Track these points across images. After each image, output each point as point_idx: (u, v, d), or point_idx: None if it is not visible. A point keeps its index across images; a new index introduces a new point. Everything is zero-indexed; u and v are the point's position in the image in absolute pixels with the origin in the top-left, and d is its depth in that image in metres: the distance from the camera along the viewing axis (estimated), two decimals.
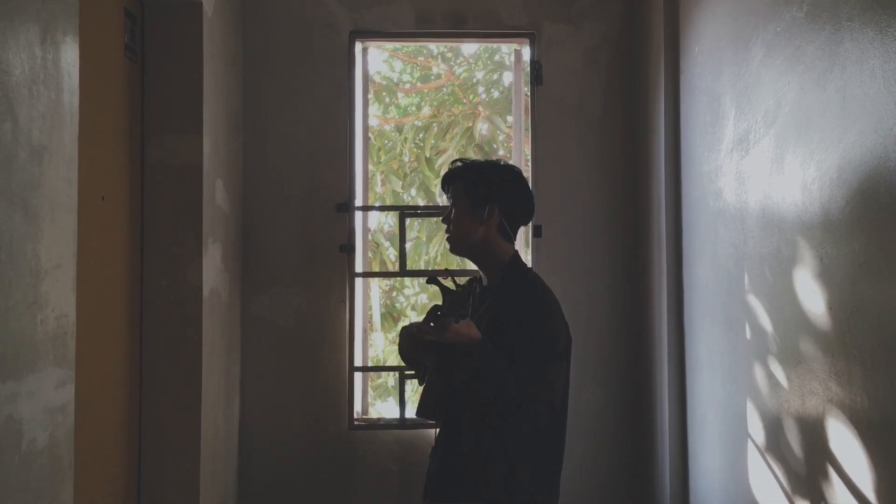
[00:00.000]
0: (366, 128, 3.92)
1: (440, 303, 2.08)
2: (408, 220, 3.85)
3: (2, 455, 1.49)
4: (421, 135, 7.40)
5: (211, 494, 3.00)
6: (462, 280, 2.34)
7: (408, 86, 8.12)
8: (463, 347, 1.98)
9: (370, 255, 6.45)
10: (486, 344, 1.99)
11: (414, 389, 5.65)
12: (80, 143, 1.86)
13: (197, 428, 2.85)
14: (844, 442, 1.95)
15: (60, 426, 1.72)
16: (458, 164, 2.27)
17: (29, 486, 1.58)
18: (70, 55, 1.79)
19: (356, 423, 3.62)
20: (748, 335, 2.56)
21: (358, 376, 3.70)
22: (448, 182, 2.26)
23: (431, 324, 1.99)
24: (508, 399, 1.95)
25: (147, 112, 2.85)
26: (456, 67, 7.79)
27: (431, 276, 2.19)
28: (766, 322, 2.43)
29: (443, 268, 2.21)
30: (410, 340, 2.14)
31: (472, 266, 2.33)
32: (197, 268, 2.87)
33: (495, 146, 7.25)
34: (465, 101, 7.54)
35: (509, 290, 2.13)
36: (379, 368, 5.22)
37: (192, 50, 2.89)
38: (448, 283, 2.14)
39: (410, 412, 3.60)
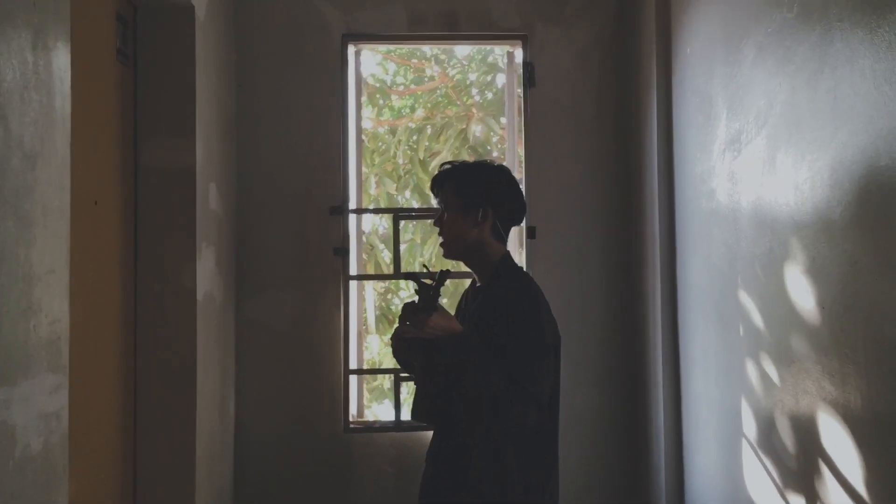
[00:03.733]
0: (359, 130, 3.92)
1: (415, 300, 2.07)
2: (402, 223, 3.85)
3: None
4: (415, 137, 7.40)
5: (206, 498, 2.99)
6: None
7: (401, 88, 8.12)
8: (445, 341, 1.98)
9: (364, 257, 6.44)
10: (467, 336, 2.00)
11: (409, 392, 5.65)
12: (73, 148, 1.85)
13: (192, 432, 2.84)
14: (838, 440, 1.96)
15: (55, 432, 1.72)
16: (447, 166, 2.26)
17: (23, 492, 1.58)
18: (62, 60, 1.79)
19: (351, 425, 3.62)
20: (741, 334, 2.56)
21: (353, 379, 3.70)
22: (438, 185, 2.25)
23: (408, 322, 2.00)
24: (494, 393, 1.94)
25: (140, 116, 2.85)
26: (449, 69, 7.79)
27: (407, 273, 2.18)
28: (759, 321, 2.43)
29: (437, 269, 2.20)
30: (398, 342, 2.16)
31: (465, 268, 2.33)
32: (191, 271, 2.87)
33: (489, 148, 7.25)
34: (458, 103, 7.55)
35: (498, 289, 2.14)
36: (374, 371, 5.22)
37: (184, 53, 2.89)
38: (426, 280, 2.13)
39: (406, 415, 3.60)
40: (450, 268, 2.17)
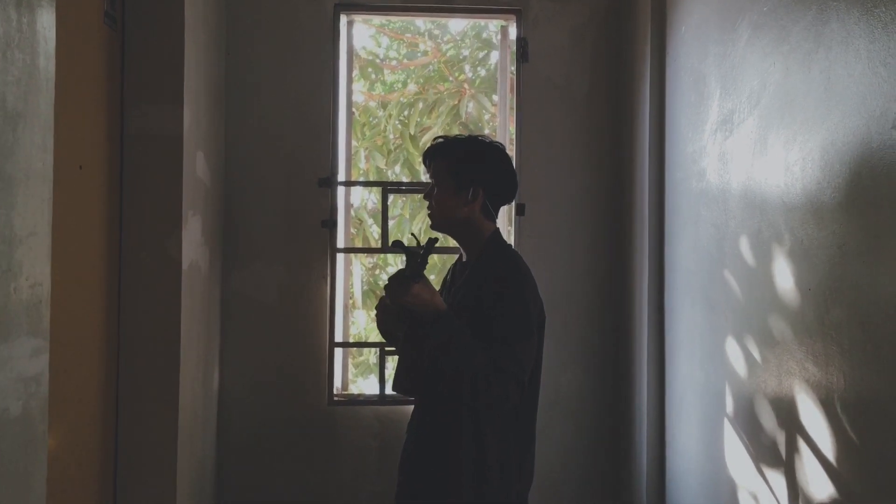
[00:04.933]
0: (350, 103, 3.89)
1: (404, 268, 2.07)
2: (391, 197, 3.82)
3: None
4: (406, 112, 7.35)
5: (188, 468, 2.99)
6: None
7: (394, 62, 8.06)
8: (428, 319, 1.98)
9: (353, 231, 6.41)
10: (450, 315, 2.00)
11: (394, 367, 5.66)
12: (58, 111, 1.82)
13: (174, 401, 2.83)
14: (819, 421, 1.97)
15: (34, 396, 1.70)
16: (441, 140, 2.24)
17: (2, 455, 1.57)
18: (46, 19, 1.75)
19: (336, 398, 3.62)
20: (727, 316, 2.57)
21: (338, 352, 3.69)
22: (430, 157, 2.23)
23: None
24: (476, 373, 1.94)
25: (127, 81, 2.81)
26: (443, 45, 7.73)
27: (395, 242, 2.17)
28: (745, 303, 2.44)
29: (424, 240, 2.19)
30: (383, 311, 2.16)
31: (453, 242, 2.32)
32: (176, 240, 2.84)
33: (481, 125, 7.22)
34: (451, 78, 7.49)
35: (486, 266, 2.13)
36: (359, 345, 5.20)
37: (173, 18, 2.84)
38: (411, 245, 2.12)
39: (391, 389, 3.60)
40: (437, 237, 2.16)
